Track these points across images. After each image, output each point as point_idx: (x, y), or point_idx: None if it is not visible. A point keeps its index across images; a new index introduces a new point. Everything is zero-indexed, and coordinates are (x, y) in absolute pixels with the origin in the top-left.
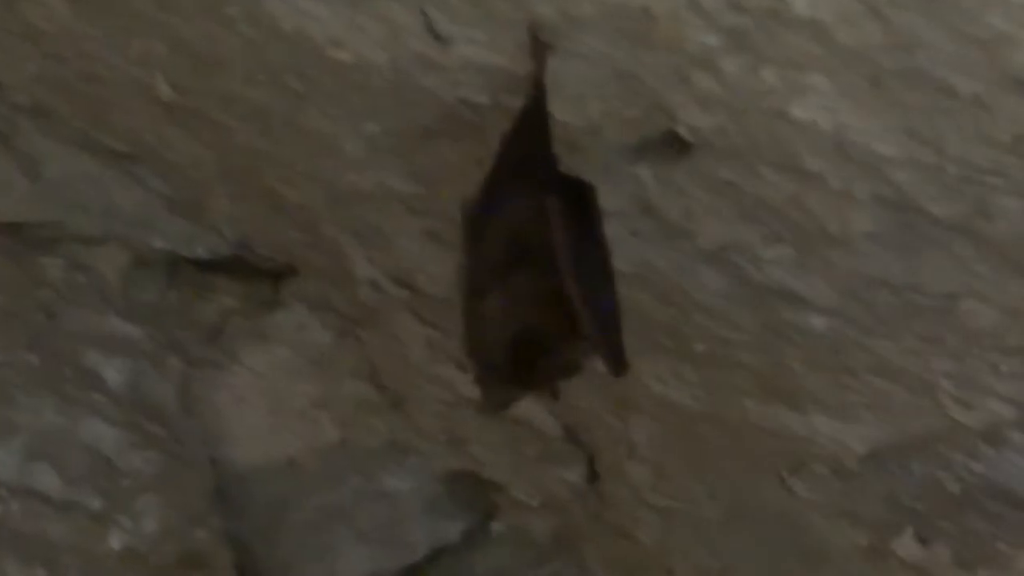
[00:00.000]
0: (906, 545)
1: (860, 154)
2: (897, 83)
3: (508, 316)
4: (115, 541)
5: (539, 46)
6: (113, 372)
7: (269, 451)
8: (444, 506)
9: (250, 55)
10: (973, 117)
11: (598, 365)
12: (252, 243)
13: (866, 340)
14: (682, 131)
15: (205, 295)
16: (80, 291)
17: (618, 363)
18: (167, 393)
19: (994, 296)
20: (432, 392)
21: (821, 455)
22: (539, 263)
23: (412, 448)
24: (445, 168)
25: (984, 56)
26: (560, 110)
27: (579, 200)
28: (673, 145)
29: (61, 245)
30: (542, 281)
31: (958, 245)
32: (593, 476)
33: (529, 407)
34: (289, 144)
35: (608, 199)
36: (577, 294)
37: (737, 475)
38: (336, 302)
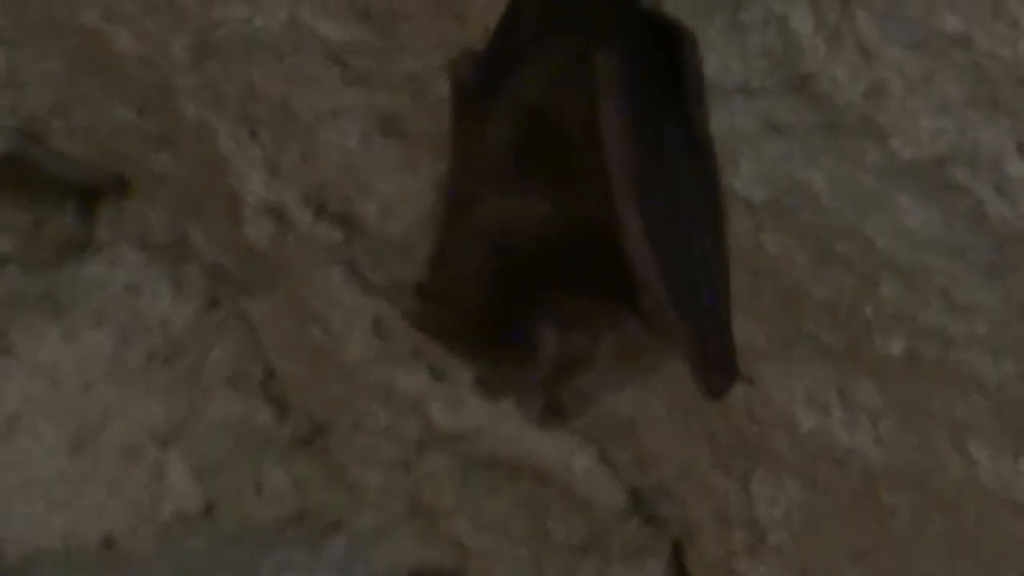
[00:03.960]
0: None
1: None
2: None
3: (504, 233)
4: None
5: None
6: None
7: (70, 521)
8: None
9: None
10: None
11: (683, 367)
12: (46, 131)
13: None
14: None
15: None
16: None
17: (720, 372)
18: None
19: None
20: (381, 420)
21: None
22: (570, 168)
23: (340, 524)
24: None
25: None
26: None
27: (660, 61)
28: None
29: None
30: (569, 198)
31: None
32: None
33: (560, 451)
34: None
35: (732, 62)
36: (637, 225)
37: None
38: (202, 246)
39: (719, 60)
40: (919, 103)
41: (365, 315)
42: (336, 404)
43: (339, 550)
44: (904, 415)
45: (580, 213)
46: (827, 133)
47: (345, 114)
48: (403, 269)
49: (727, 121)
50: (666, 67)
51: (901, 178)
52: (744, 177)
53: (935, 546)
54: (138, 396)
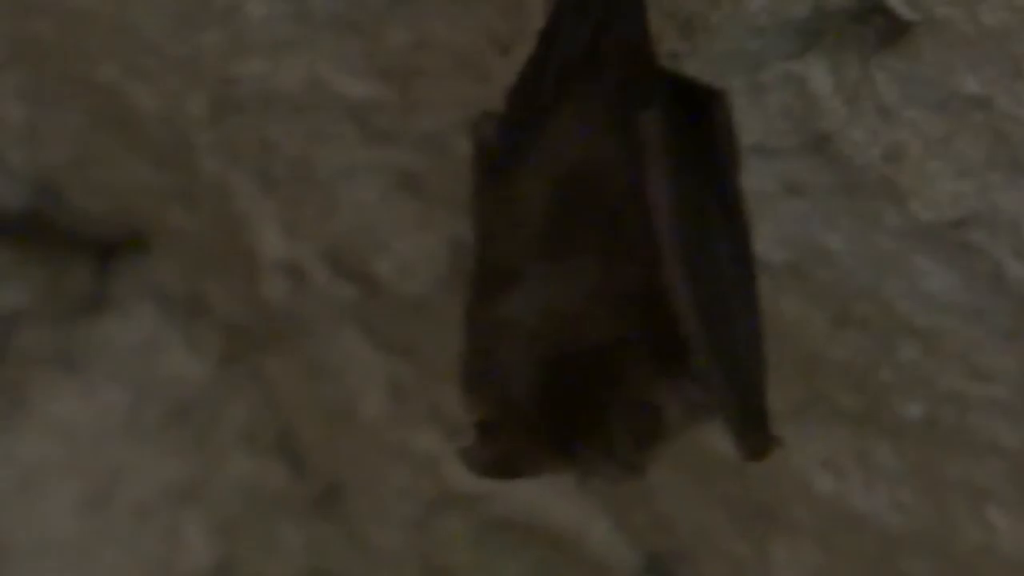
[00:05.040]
0: None
1: None
2: None
3: (546, 324)
4: None
5: None
6: None
7: None
8: None
9: None
10: None
11: (716, 435)
12: (63, 186)
13: None
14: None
15: None
16: None
17: (756, 435)
18: None
19: None
20: (397, 479)
21: None
22: (616, 235)
23: None
24: (432, 52)
25: None
26: None
27: (695, 124)
28: (875, 24)
29: None
30: (618, 266)
31: None
32: None
33: (576, 513)
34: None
35: (751, 122)
36: (687, 293)
37: None
38: (218, 303)
39: (738, 120)
40: (938, 165)
41: (380, 373)
42: (351, 463)
43: None
44: (922, 479)
45: (628, 282)
46: (846, 194)
47: (362, 171)
48: (419, 329)
49: (745, 182)
50: (697, 129)
51: (920, 240)
52: (762, 239)
53: None
54: (153, 454)
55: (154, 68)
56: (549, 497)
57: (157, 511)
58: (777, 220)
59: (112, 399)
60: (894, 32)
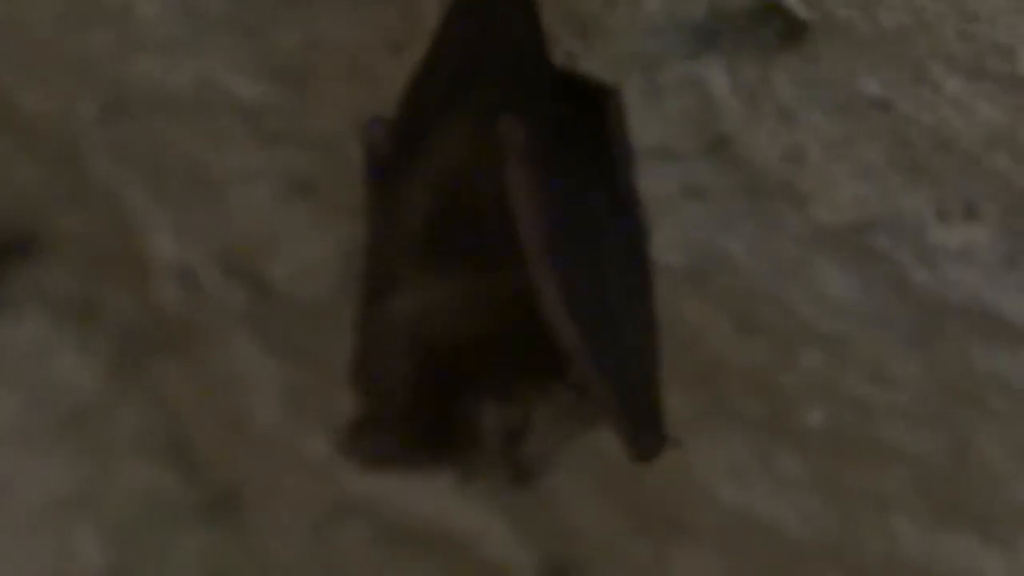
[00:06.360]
0: None
1: None
2: None
3: (423, 324)
4: None
5: None
6: None
7: None
8: None
9: None
10: None
11: (607, 438)
12: None
13: None
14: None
15: None
16: None
17: (645, 437)
18: None
19: None
20: (293, 487)
21: None
22: (485, 239)
23: None
24: (325, 53)
25: None
26: None
27: (589, 125)
28: (773, 25)
29: None
30: (489, 271)
31: None
32: None
33: (476, 520)
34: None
35: (649, 124)
36: (553, 295)
37: None
38: (110, 307)
39: (636, 123)
40: (838, 168)
41: (275, 380)
42: (246, 470)
43: None
44: (826, 487)
45: (501, 288)
46: (746, 198)
47: (255, 174)
48: (313, 334)
49: (644, 185)
50: (588, 129)
51: (821, 245)
52: (662, 243)
53: None
54: (44, 461)
55: (43, 68)
56: (448, 504)
57: (49, 519)
58: (677, 224)
59: (2, 404)
60: (793, 33)
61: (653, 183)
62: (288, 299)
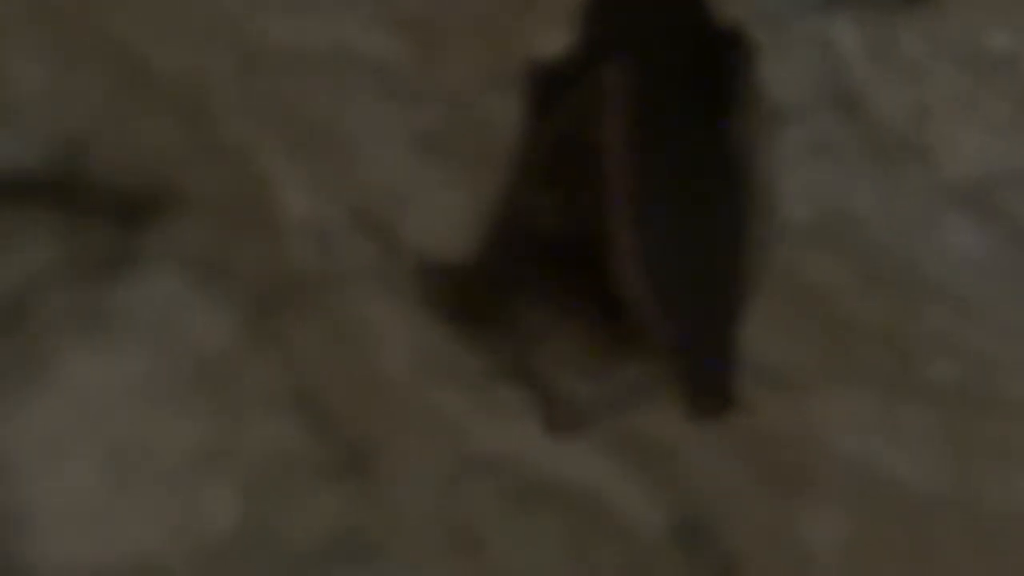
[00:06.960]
0: None
1: None
2: None
3: (530, 223)
4: None
5: None
6: None
7: (105, 546)
8: None
9: None
10: None
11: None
12: (84, 149)
13: None
14: None
15: None
16: None
17: (711, 397)
18: None
19: None
20: (423, 441)
21: None
22: (590, 178)
23: (381, 549)
24: (455, 9)
25: None
26: None
27: (700, 71)
28: None
29: None
30: (585, 208)
31: None
32: None
33: (606, 479)
34: None
35: (772, 80)
36: (633, 241)
37: None
38: (242, 264)
39: (764, 78)
40: (964, 124)
41: (405, 336)
42: (377, 425)
43: (379, 574)
44: (952, 442)
45: (587, 226)
46: (872, 153)
47: (386, 131)
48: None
49: (769, 140)
50: (711, 78)
51: (946, 200)
52: (786, 197)
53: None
54: (176, 417)
55: (175, 27)
56: (579, 462)
57: (181, 476)
58: (802, 179)
59: (134, 362)
60: None
61: (779, 139)
62: (418, 254)
